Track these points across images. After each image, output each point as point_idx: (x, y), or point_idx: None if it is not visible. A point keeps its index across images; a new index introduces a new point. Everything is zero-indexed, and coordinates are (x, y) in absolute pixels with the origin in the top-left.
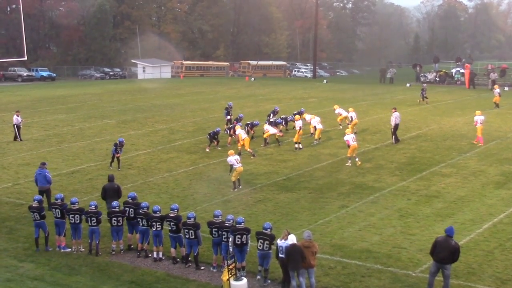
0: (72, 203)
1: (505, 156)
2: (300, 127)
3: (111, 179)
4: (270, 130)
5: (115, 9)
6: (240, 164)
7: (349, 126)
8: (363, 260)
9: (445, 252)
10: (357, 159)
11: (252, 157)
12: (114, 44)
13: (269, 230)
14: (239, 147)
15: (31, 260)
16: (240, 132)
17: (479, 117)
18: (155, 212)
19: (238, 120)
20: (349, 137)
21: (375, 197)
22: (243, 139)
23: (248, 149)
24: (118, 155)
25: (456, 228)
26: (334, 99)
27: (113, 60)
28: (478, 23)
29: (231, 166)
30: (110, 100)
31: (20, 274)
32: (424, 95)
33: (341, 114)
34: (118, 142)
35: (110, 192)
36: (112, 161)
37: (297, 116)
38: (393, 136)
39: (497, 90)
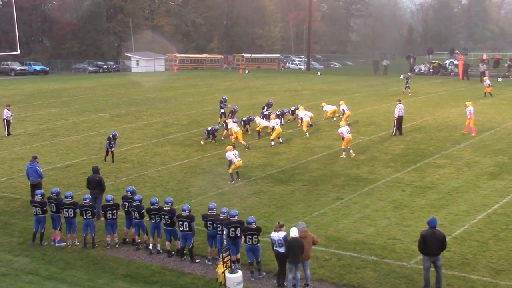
0: (66, 197)
1: (498, 147)
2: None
3: (95, 170)
4: (262, 123)
5: (108, 2)
6: (239, 159)
7: (342, 118)
8: (358, 251)
9: (435, 245)
10: (351, 151)
11: (246, 149)
12: (107, 38)
13: (253, 224)
14: (233, 140)
15: (25, 254)
16: (232, 125)
17: (471, 108)
18: (153, 204)
19: (232, 112)
20: (344, 130)
21: (369, 189)
22: (236, 132)
23: (242, 142)
24: (112, 149)
25: (450, 219)
26: (328, 91)
27: (107, 54)
28: (471, 14)
29: (230, 161)
30: (103, 94)
31: (15, 269)
32: (407, 85)
33: (327, 111)
34: (111, 136)
35: (93, 183)
36: (107, 155)
37: (272, 115)
38: (395, 128)
39: (487, 81)
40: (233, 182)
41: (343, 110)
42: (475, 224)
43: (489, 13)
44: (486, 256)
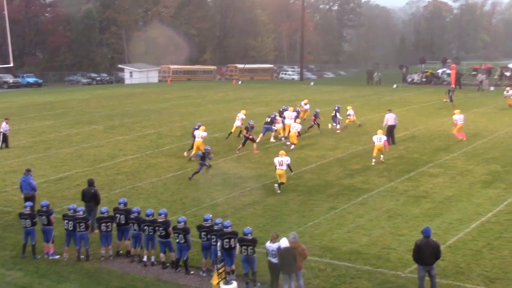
0: (69, 209)
1: (491, 155)
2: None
3: (90, 183)
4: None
5: (101, 14)
6: (279, 167)
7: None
8: (353, 261)
9: (429, 254)
10: (381, 156)
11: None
12: (100, 50)
13: (249, 235)
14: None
15: (19, 268)
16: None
17: (458, 116)
18: (148, 215)
19: (248, 128)
20: (375, 138)
21: (363, 199)
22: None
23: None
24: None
25: (444, 228)
26: (322, 101)
27: (100, 66)
28: (463, 24)
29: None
30: (97, 106)
31: (8, 283)
32: (450, 96)
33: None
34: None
35: (88, 196)
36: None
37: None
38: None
39: (510, 91)
40: (278, 191)
41: (349, 115)
42: (469, 233)
43: (480, 23)
44: (480, 265)
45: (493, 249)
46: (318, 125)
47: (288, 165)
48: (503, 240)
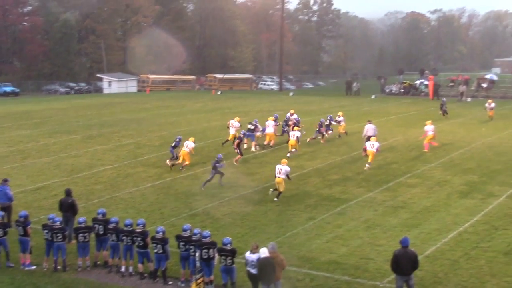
0: (48, 219)
1: (468, 166)
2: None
3: (67, 193)
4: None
5: (79, 23)
6: (278, 175)
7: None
8: (331, 271)
9: (407, 264)
10: (367, 165)
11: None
12: (79, 59)
13: (229, 245)
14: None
15: None
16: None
17: (429, 127)
18: (126, 226)
19: (241, 138)
20: (368, 144)
21: (342, 209)
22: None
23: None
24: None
25: (422, 238)
26: (301, 111)
27: (78, 75)
28: (440, 35)
29: None
30: (75, 115)
31: None
32: (444, 109)
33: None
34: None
35: (65, 206)
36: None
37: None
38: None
39: (492, 104)
40: (275, 199)
41: (340, 121)
42: (447, 243)
43: (457, 34)
44: (457, 275)
45: (470, 259)
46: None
47: (287, 175)
48: (480, 250)
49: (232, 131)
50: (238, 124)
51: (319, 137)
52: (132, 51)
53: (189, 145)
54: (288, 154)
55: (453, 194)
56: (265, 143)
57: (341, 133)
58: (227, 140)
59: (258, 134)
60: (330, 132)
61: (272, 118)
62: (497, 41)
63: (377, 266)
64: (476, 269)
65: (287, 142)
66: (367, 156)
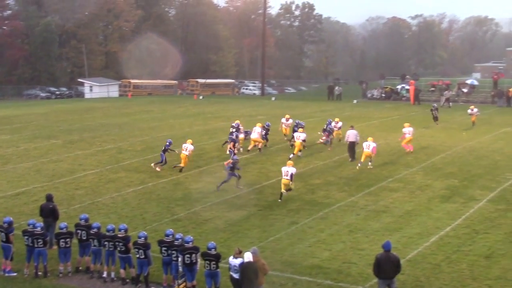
0: (28, 225)
1: (449, 170)
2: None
3: (48, 198)
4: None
5: (60, 28)
6: (285, 177)
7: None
8: (314, 276)
9: (390, 268)
10: (369, 163)
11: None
12: (60, 63)
13: (213, 250)
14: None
15: None
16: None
17: (407, 129)
18: (108, 231)
19: (235, 140)
20: (365, 144)
21: (324, 213)
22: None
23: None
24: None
25: (404, 242)
26: (283, 116)
27: (59, 80)
28: (421, 41)
29: None
30: (56, 120)
31: None
32: (435, 116)
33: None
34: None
35: (46, 211)
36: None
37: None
38: (349, 153)
39: (475, 109)
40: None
41: (339, 127)
42: (428, 247)
43: (438, 40)
44: (439, 278)
45: (452, 263)
46: (267, 140)
47: (291, 175)
48: (461, 253)
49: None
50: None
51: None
52: (113, 55)
53: (188, 148)
54: (299, 153)
55: (435, 198)
56: (249, 148)
57: (341, 137)
58: (226, 142)
59: (241, 136)
60: (325, 136)
61: (260, 124)
62: (477, 47)
63: (360, 270)
64: (458, 272)
65: (292, 145)
66: (364, 156)
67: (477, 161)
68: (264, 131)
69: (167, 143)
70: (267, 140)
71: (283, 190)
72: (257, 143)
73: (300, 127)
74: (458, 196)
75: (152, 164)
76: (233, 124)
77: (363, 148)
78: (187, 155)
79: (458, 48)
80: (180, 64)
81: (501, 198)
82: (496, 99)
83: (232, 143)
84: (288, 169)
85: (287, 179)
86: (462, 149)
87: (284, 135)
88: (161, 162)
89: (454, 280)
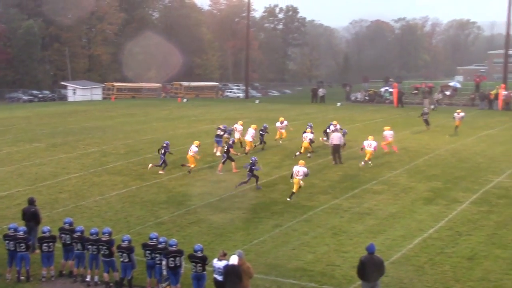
0: (9, 229)
1: (433, 172)
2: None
3: (30, 202)
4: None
5: (43, 30)
6: (296, 176)
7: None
8: (298, 278)
9: (373, 270)
10: (369, 162)
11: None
12: (43, 66)
13: (199, 252)
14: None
15: None
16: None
17: (388, 132)
18: (92, 234)
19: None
20: (366, 143)
21: (308, 216)
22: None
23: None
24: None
25: (388, 244)
26: (267, 119)
27: (42, 83)
28: (404, 44)
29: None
30: (39, 123)
31: None
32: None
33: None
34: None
35: (28, 215)
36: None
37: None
38: (333, 156)
39: (461, 114)
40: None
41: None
42: (412, 249)
43: (421, 43)
44: (422, 280)
45: (435, 265)
46: (264, 142)
47: (305, 174)
48: (444, 255)
49: (236, 135)
50: (241, 128)
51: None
52: (97, 58)
53: (192, 149)
54: (309, 155)
55: (418, 201)
56: (246, 150)
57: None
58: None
59: (226, 135)
60: (326, 139)
61: (255, 126)
62: (459, 50)
63: (344, 272)
64: (441, 274)
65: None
66: (365, 153)
67: (460, 164)
68: (261, 133)
69: (165, 145)
70: (264, 142)
71: (294, 190)
72: (247, 147)
73: (308, 128)
74: (441, 198)
75: (150, 165)
76: (220, 127)
77: (365, 147)
78: (192, 156)
79: (441, 51)
80: (164, 67)
81: (484, 200)
82: (476, 101)
83: (220, 147)
84: (299, 169)
85: (298, 178)
86: (445, 152)
87: (278, 138)
88: (161, 164)
89: (438, 281)
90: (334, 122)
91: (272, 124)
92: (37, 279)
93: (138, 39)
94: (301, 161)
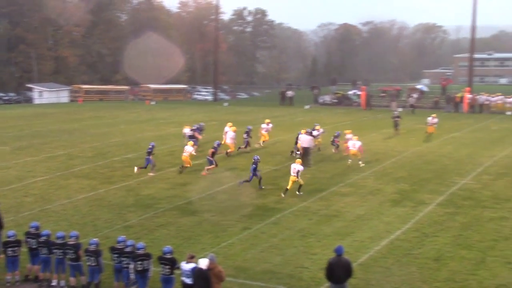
0: None
1: (400, 174)
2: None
3: None
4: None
5: (9, 32)
6: (293, 174)
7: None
8: (266, 281)
9: (342, 272)
10: (360, 162)
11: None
12: (8, 68)
13: (168, 254)
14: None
15: None
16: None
17: (350, 135)
18: (58, 238)
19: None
20: (350, 143)
21: (276, 218)
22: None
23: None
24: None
25: (356, 246)
26: (235, 121)
27: (7, 85)
28: (372, 47)
29: None
30: (4, 126)
31: None
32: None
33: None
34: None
35: None
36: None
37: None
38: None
39: (435, 119)
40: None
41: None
42: (379, 251)
43: (388, 46)
44: (390, 282)
45: (402, 266)
46: (249, 143)
47: (298, 172)
48: (411, 256)
49: (228, 140)
50: (233, 134)
51: (333, 149)
52: (64, 60)
53: (187, 149)
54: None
55: (385, 203)
56: (228, 151)
57: (320, 145)
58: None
59: (200, 137)
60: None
61: (234, 128)
62: (426, 53)
63: (312, 274)
64: (408, 275)
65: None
66: (349, 155)
67: (426, 166)
68: (245, 135)
69: (150, 146)
70: (248, 144)
71: (288, 187)
72: (231, 149)
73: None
74: (408, 200)
75: (135, 168)
76: (193, 127)
77: (349, 147)
78: (187, 156)
79: (408, 55)
80: (132, 70)
81: (450, 201)
82: (441, 104)
83: (212, 150)
84: (296, 167)
85: (294, 175)
86: (411, 154)
87: (261, 141)
88: (145, 166)
89: (405, 283)
90: (317, 127)
91: (241, 127)
92: (2, 284)
93: (106, 41)
94: (298, 160)
